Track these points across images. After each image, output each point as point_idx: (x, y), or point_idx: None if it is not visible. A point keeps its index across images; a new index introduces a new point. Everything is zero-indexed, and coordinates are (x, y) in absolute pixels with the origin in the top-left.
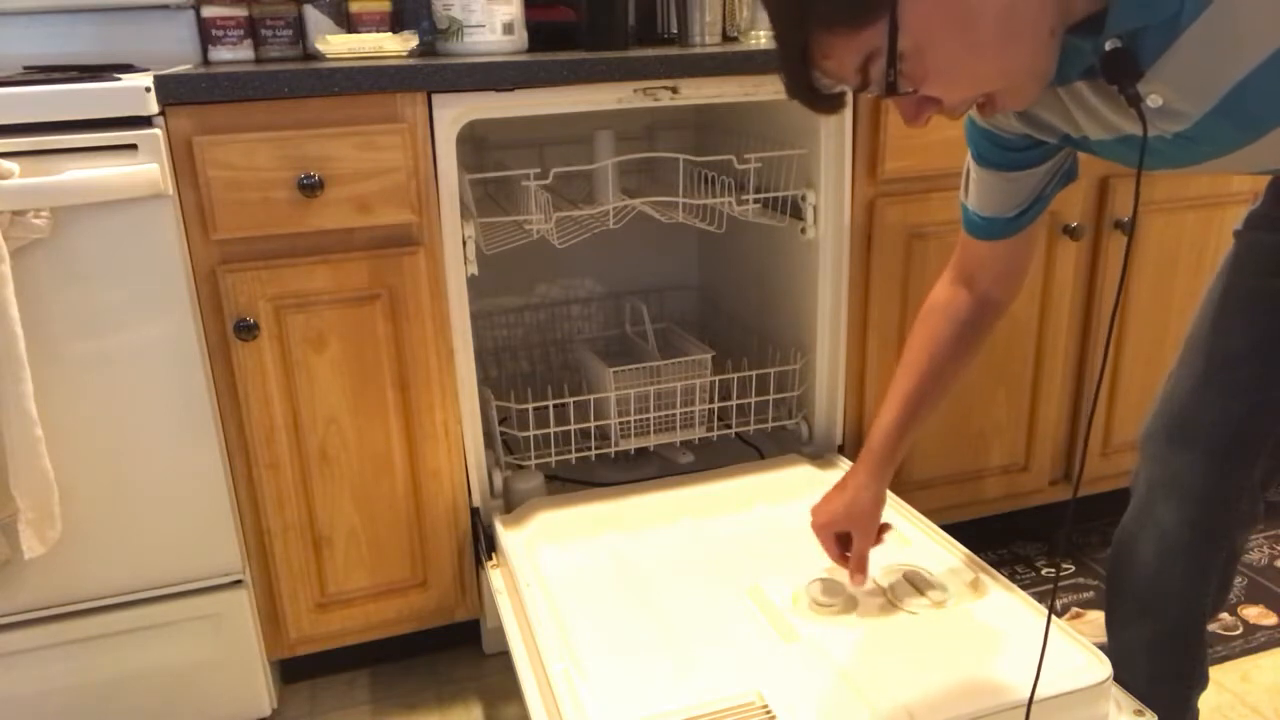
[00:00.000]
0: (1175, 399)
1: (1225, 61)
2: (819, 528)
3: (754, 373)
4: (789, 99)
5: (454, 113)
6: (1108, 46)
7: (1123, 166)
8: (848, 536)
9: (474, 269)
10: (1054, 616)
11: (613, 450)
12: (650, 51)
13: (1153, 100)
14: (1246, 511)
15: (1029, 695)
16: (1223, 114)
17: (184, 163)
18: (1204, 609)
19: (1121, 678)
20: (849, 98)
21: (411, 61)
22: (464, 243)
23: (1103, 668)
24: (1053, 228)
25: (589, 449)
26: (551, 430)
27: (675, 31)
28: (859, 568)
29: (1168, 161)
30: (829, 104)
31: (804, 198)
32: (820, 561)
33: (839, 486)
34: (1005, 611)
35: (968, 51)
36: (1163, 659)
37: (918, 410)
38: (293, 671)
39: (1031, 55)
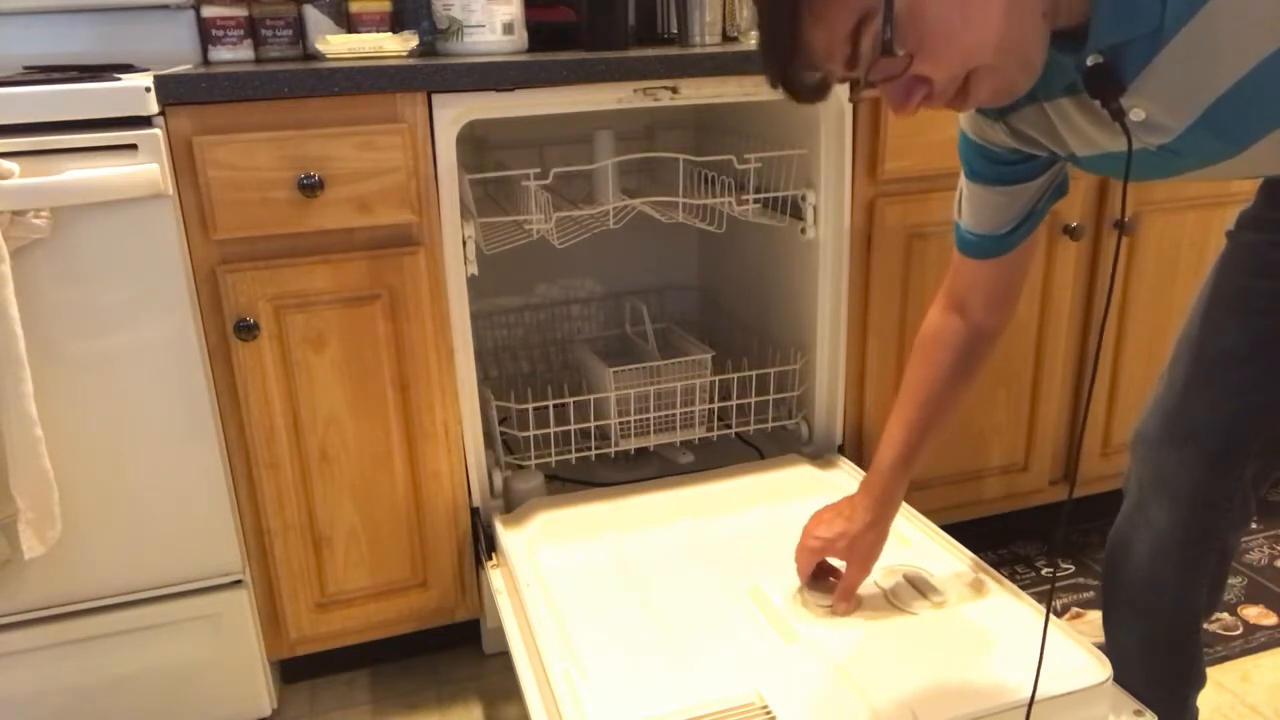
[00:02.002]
0: (1167, 399)
1: (1207, 75)
2: (811, 551)
3: (754, 373)
4: (771, 86)
5: (454, 113)
6: (1089, 62)
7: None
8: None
9: (474, 269)
10: (1054, 616)
11: (613, 450)
12: (650, 51)
13: (1135, 114)
14: (1238, 511)
15: (1030, 696)
16: (1204, 127)
17: (184, 163)
18: (1197, 609)
19: (1119, 678)
20: (834, 91)
21: (411, 61)
22: (464, 243)
23: (1103, 668)
24: (1053, 227)
25: (589, 449)
26: (551, 430)
27: (675, 31)
28: (845, 597)
29: (1154, 173)
30: (812, 93)
31: (804, 198)
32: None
33: (841, 514)
34: (1005, 612)
35: (962, 17)
36: (1159, 659)
37: (920, 444)
38: (293, 671)
39: (1022, 32)
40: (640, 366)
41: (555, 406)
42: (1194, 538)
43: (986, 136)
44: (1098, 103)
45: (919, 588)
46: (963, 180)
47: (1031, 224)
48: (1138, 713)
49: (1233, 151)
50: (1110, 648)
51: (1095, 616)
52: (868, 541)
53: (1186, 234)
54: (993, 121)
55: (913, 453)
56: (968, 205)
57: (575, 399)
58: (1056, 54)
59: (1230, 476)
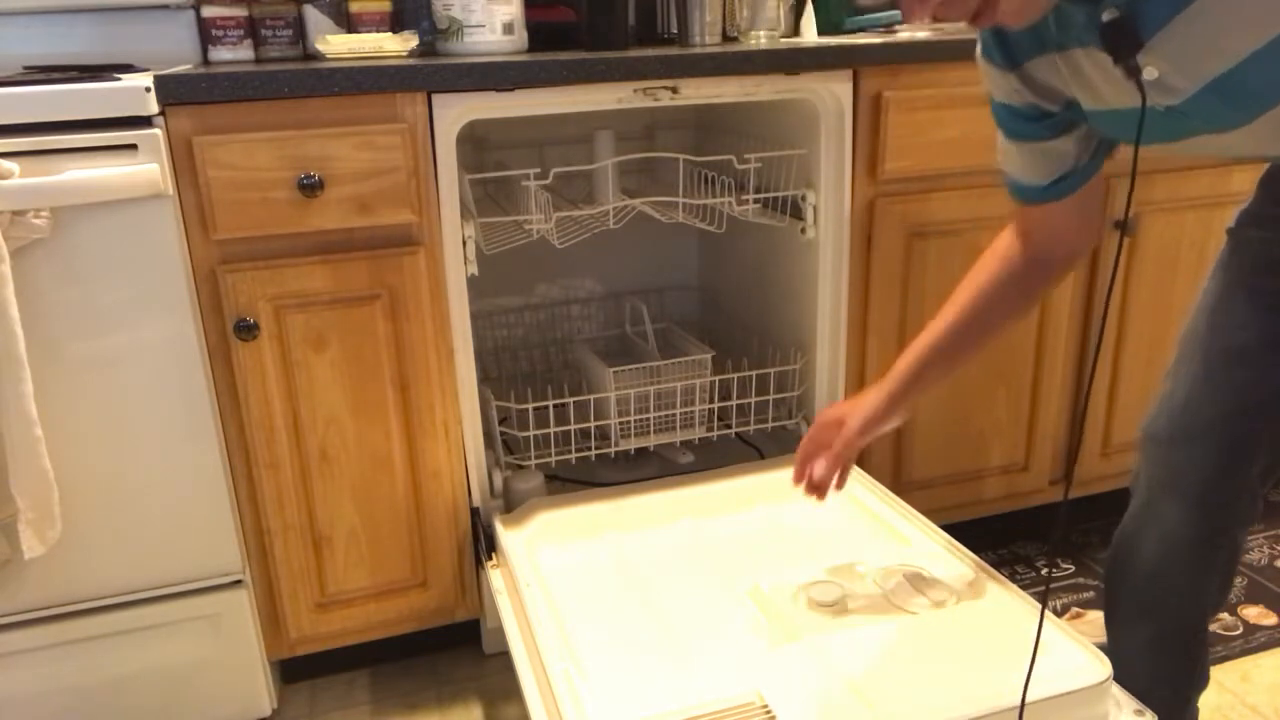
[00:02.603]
0: (1174, 397)
1: (1228, 40)
2: (817, 425)
3: (754, 373)
4: None
5: (454, 113)
6: (1105, 17)
7: (1118, 146)
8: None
9: (474, 269)
10: (1054, 616)
11: (613, 450)
12: (650, 51)
13: (1149, 73)
14: (1246, 509)
15: (1022, 694)
16: (1215, 92)
17: (184, 163)
18: (1205, 608)
19: (1122, 678)
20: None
21: (411, 61)
22: (464, 243)
23: (1103, 668)
24: None
25: (589, 449)
26: (551, 430)
27: (675, 31)
28: (837, 458)
29: (1159, 135)
30: None
31: (804, 198)
32: (820, 562)
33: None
34: (1005, 611)
35: None
36: (1164, 659)
37: (950, 347)
38: (293, 671)
39: None
40: (640, 366)
41: (555, 406)
42: (1204, 536)
43: (1002, 90)
44: (1111, 59)
45: (919, 588)
46: (998, 134)
47: (1076, 180)
48: (1138, 712)
49: (1240, 120)
50: (1113, 647)
51: (1095, 616)
52: (870, 404)
53: (1186, 234)
54: (1005, 72)
55: (937, 358)
56: (1003, 156)
57: (575, 399)
58: (1069, 6)
59: (1239, 474)
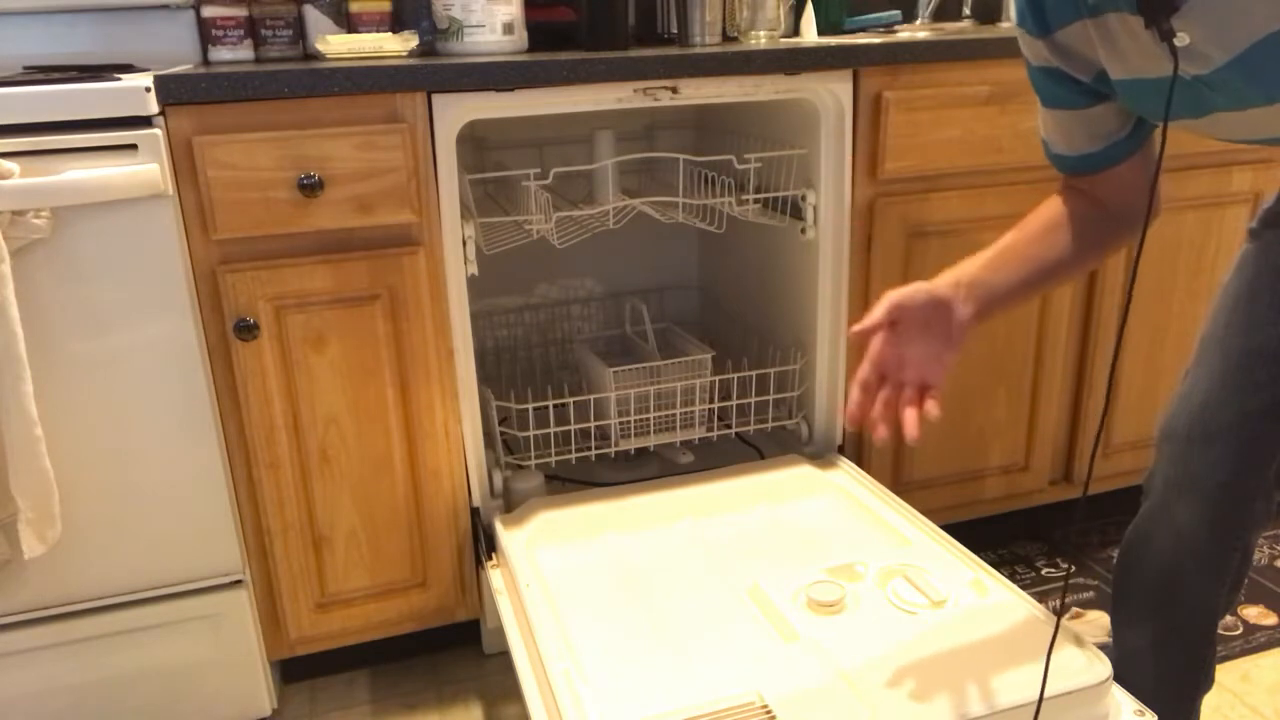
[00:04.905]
0: (1193, 397)
1: (1262, 8)
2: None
3: (754, 373)
4: None
5: (454, 113)
6: None
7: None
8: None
9: (474, 269)
10: (1055, 616)
11: (613, 450)
12: (650, 51)
13: (1180, 38)
14: (1261, 511)
15: (1039, 694)
16: (1242, 66)
17: (184, 163)
18: (1215, 609)
19: (1127, 677)
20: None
21: (411, 61)
22: (464, 243)
23: (1103, 667)
24: None
25: (589, 449)
26: (551, 430)
27: (675, 31)
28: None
29: (1182, 108)
30: None
31: (804, 198)
32: (820, 562)
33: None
34: (1005, 611)
35: None
36: (1170, 659)
37: (1020, 274)
38: (293, 671)
39: None
40: (640, 366)
41: (555, 406)
42: (1218, 536)
43: (1037, 55)
44: (1143, 21)
45: (919, 587)
46: (1040, 108)
47: (1121, 150)
48: (1138, 713)
49: (1261, 99)
50: (1119, 646)
51: (1095, 616)
52: (938, 285)
53: (1186, 234)
54: (1036, 39)
55: (995, 262)
56: (1043, 124)
57: (575, 399)
58: None
59: (1257, 475)
